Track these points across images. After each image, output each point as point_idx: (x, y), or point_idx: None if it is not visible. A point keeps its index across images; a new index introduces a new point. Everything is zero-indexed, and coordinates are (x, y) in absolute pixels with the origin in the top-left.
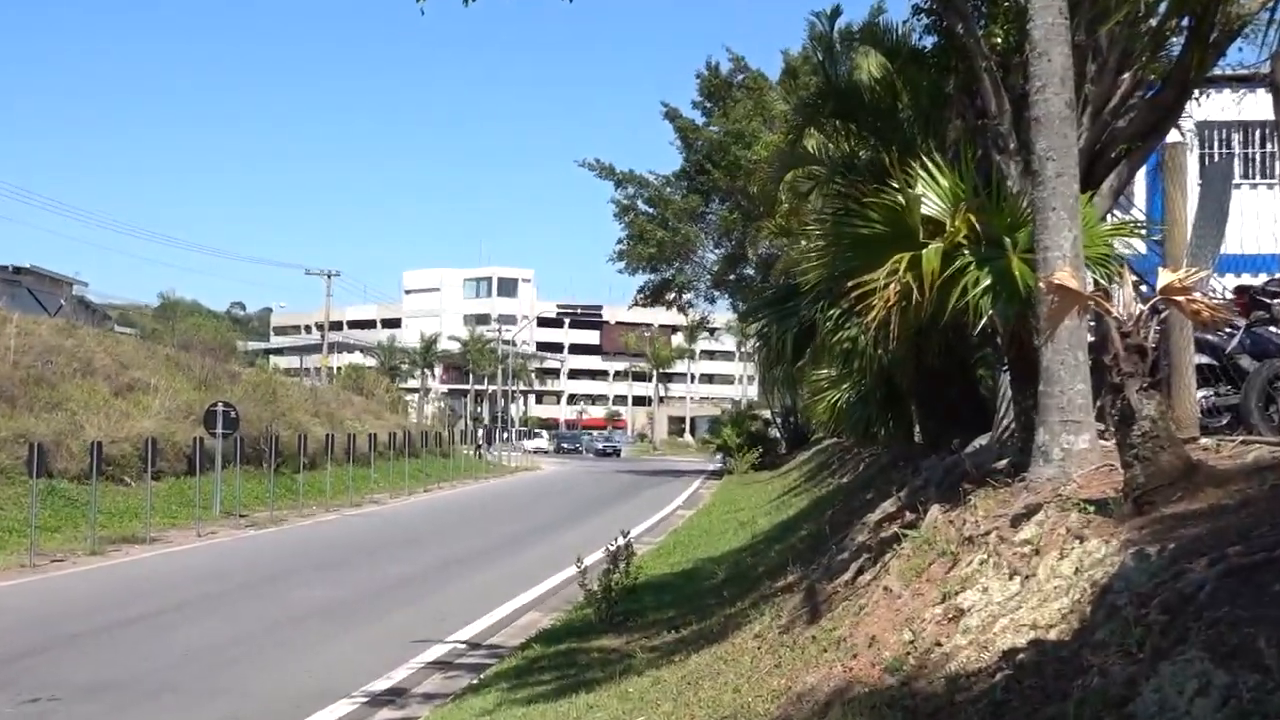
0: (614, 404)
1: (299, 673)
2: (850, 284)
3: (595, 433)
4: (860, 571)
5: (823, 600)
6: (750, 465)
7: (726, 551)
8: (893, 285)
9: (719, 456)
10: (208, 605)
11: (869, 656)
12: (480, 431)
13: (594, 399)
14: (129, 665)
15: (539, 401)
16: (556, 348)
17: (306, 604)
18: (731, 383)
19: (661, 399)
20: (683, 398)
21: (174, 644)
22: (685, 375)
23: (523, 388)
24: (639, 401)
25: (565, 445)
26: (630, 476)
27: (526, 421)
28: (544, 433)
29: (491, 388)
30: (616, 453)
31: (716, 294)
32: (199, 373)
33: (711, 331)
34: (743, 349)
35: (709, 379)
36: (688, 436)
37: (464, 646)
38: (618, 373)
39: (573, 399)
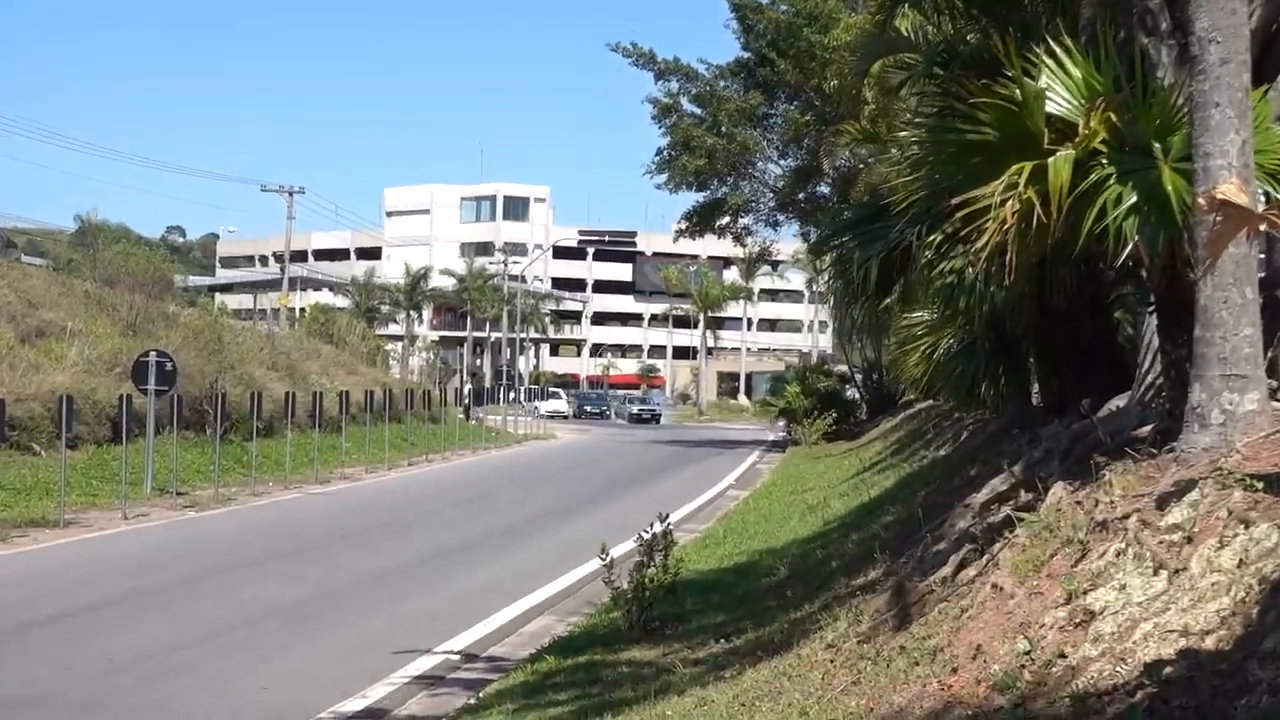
0: (649, 356)
1: (253, 688)
2: (955, 202)
3: (627, 393)
4: (962, 565)
5: (914, 601)
6: (821, 434)
7: (790, 541)
8: (1009, 203)
9: (782, 423)
10: (139, 605)
11: (973, 671)
12: (467, 389)
13: (624, 350)
14: (44, 678)
15: (555, 353)
16: (577, 285)
17: (261, 604)
18: (798, 330)
19: (710, 350)
20: (737, 349)
21: (98, 652)
22: (740, 321)
23: (535, 336)
24: (681, 354)
25: (589, 408)
26: (669, 448)
27: (539, 378)
28: (562, 393)
29: (495, 335)
30: (655, 418)
31: (781, 218)
32: (126, 314)
33: (775, 265)
34: (814, 287)
35: (770, 326)
36: (742, 398)
37: (458, 658)
38: (655, 317)
39: (598, 350)
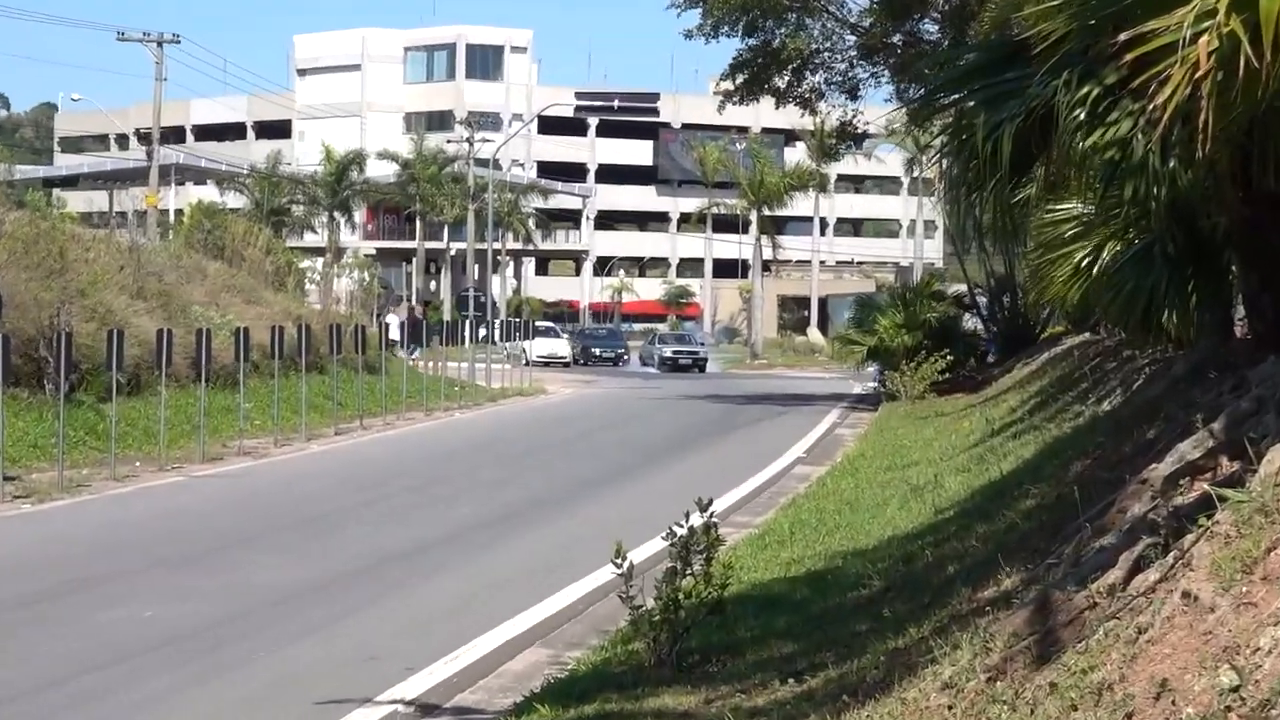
0: (679, 274)
1: None
2: (1121, 39)
3: (652, 328)
4: (1138, 567)
5: (1067, 620)
6: (929, 384)
7: (887, 538)
8: (1203, 40)
9: (872, 369)
10: None
11: (1157, 717)
12: (391, 319)
13: (642, 266)
14: None
15: (543, 270)
16: (574, 172)
17: (126, 633)
18: (894, 234)
19: (768, 265)
20: (805, 263)
21: None
22: (810, 222)
23: (514, 247)
24: (725, 270)
25: (598, 351)
26: (711, 407)
27: (520, 307)
28: (559, 329)
29: (456, 247)
30: (699, 364)
31: (866, 72)
32: None
33: (859, 140)
34: (916, 171)
35: (853, 228)
36: (813, 333)
37: (410, 710)
38: (686, 218)
39: (605, 266)
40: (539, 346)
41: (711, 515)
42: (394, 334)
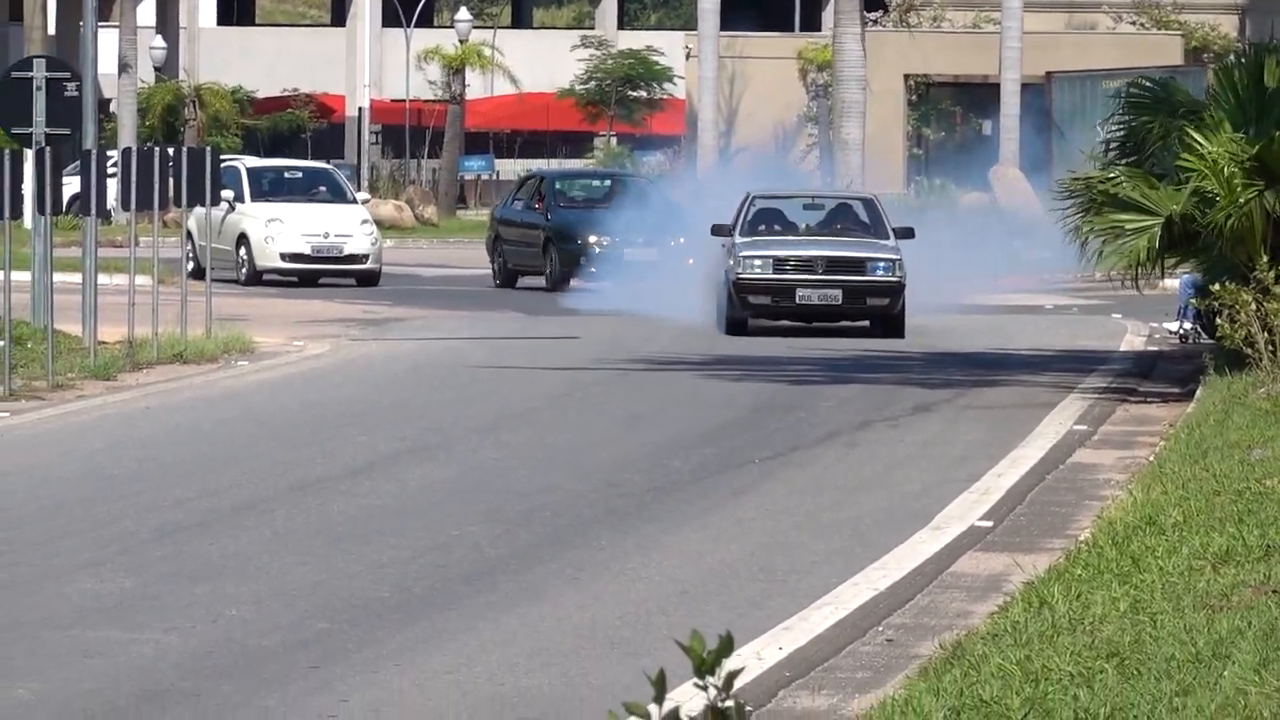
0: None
1: None
2: None
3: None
4: None
5: None
6: None
7: None
8: None
9: (1177, 280)
10: None
11: None
12: None
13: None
14: None
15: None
16: None
17: None
18: None
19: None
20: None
21: None
22: None
23: None
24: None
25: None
26: (718, 387)
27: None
28: (339, 173)
29: None
30: (893, 322)
31: None
32: None
33: None
34: None
35: None
36: (1007, 174)
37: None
38: None
39: None
40: (285, 227)
41: (730, 684)
42: None
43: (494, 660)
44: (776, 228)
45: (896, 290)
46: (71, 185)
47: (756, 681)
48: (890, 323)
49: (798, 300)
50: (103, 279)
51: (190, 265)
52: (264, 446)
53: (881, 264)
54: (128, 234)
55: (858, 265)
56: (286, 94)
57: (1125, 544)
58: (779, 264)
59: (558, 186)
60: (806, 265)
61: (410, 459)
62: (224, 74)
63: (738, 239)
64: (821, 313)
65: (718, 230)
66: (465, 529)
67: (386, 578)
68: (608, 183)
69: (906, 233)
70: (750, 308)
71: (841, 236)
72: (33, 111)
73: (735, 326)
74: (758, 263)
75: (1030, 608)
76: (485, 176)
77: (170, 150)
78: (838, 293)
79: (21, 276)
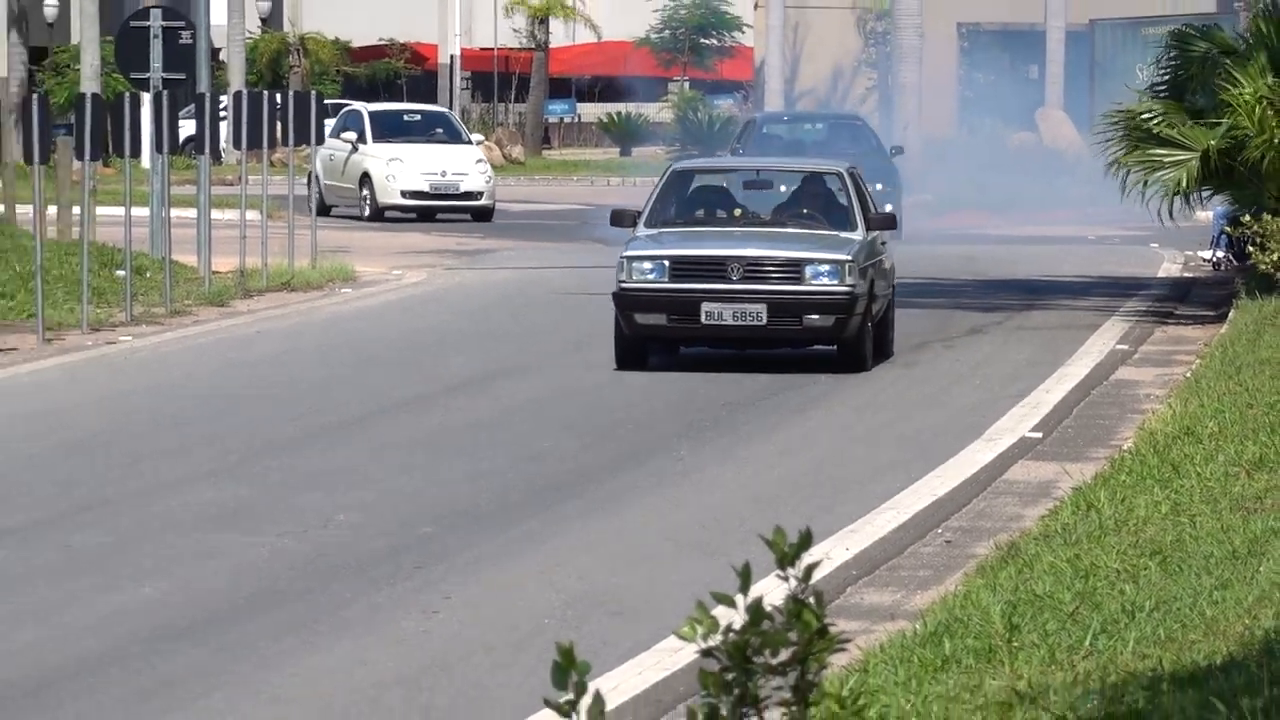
0: None
1: None
2: None
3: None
4: None
5: None
6: None
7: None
8: None
9: (1212, 210)
10: None
11: None
12: None
13: None
14: None
15: None
16: None
17: None
18: None
19: None
20: None
21: None
22: None
23: None
24: None
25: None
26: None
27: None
28: (453, 120)
29: None
30: (848, 349)
31: None
32: None
33: None
34: None
35: None
36: (1053, 118)
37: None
38: None
39: None
40: (405, 166)
41: (809, 575)
42: None
43: (584, 561)
44: (699, 214)
45: (844, 305)
46: (186, 127)
47: (826, 579)
48: (846, 350)
49: (703, 319)
50: (215, 214)
51: (315, 202)
52: (366, 367)
53: (826, 268)
54: (238, 172)
55: (791, 269)
56: (383, 43)
57: (1165, 452)
58: (677, 267)
59: (765, 131)
60: (715, 269)
61: (503, 378)
62: (325, 25)
63: (637, 232)
64: (737, 337)
65: (618, 219)
66: (556, 442)
67: (484, 486)
68: (820, 125)
69: (886, 221)
70: (637, 329)
71: (784, 228)
72: (150, 58)
73: (627, 358)
74: (647, 265)
75: (1078, 511)
76: (568, 119)
77: (277, 95)
78: (760, 308)
79: (140, 212)
